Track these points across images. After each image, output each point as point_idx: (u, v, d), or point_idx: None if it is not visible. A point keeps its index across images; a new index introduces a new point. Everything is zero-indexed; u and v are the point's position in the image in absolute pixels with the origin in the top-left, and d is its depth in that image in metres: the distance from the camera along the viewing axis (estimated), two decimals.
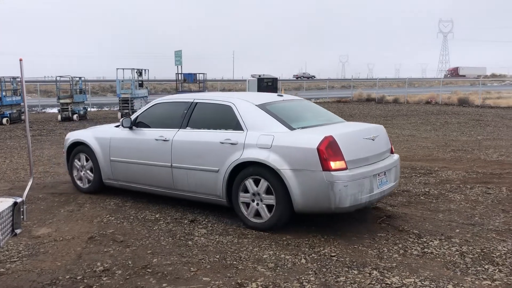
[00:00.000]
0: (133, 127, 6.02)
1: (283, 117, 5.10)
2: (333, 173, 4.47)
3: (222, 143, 5.10)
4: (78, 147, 6.58)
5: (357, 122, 6.36)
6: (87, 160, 6.50)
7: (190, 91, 22.31)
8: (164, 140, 5.57)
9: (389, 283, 3.67)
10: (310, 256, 4.24)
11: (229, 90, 48.47)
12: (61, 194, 6.64)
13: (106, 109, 27.40)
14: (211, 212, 5.65)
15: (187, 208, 5.84)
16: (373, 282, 3.68)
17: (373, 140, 5.05)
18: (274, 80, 23.10)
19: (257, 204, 4.91)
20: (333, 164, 4.49)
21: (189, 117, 5.57)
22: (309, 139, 4.63)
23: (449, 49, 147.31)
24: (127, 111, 19.77)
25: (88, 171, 6.51)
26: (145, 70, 21.80)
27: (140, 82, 21.25)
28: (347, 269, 3.96)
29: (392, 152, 5.52)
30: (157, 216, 5.56)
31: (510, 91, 36.82)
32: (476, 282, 3.67)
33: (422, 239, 4.64)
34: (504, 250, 4.35)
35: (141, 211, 5.78)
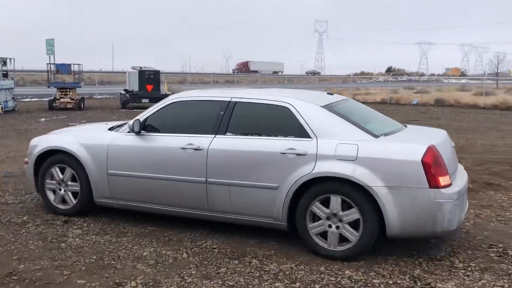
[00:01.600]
0: (142, 131, 4.76)
1: (356, 121, 4.28)
2: (442, 190, 3.77)
3: (284, 153, 4.14)
4: (54, 157, 5.14)
5: (419, 126, 5.71)
6: (67, 174, 5.09)
7: (63, 83, 20.78)
8: (196, 149, 4.43)
9: (268, 270, 3.81)
10: (192, 250, 4.24)
11: (109, 83, 46.21)
12: None
13: None
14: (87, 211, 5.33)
15: None
16: (252, 271, 3.80)
17: (454, 147, 4.60)
18: (157, 73, 22.55)
19: (337, 227, 4.01)
20: (442, 180, 3.77)
21: (227, 120, 4.47)
22: (409, 149, 3.90)
23: (324, 47, 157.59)
24: None
25: (70, 188, 5.10)
26: (10, 59, 19.78)
27: (4, 72, 19.23)
28: (228, 259, 4.02)
29: None
30: (24, 218, 5.09)
31: (376, 88, 40.56)
32: (345, 262, 3.98)
33: None
34: None
35: (5, 213, 5.25)
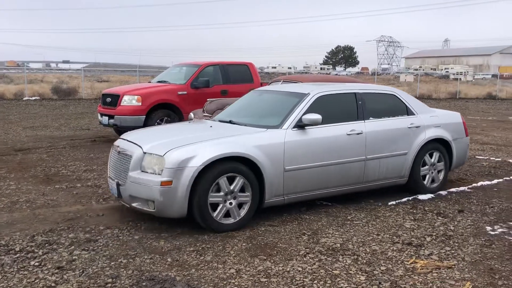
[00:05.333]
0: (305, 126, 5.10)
1: None
2: (468, 137, 6.51)
3: (409, 127, 5.83)
4: (222, 167, 4.53)
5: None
6: (238, 183, 4.63)
7: None
8: (358, 134, 5.42)
9: None
10: None
11: None
12: None
13: None
14: None
15: None
16: None
17: None
18: None
19: (432, 172, 6.10)
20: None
21: (363, 108, 5.63)
22: (455, 115, 6.54)
23: None
24: None
25: (241, 199, 4.66)
26: None
27: None
28: None
29: None
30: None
31: None
32: None
33: None
34: None
35: None
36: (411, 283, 3.53)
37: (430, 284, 3.52)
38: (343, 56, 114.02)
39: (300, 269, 3.75)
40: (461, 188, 6.32)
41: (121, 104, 9.71)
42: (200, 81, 10.16)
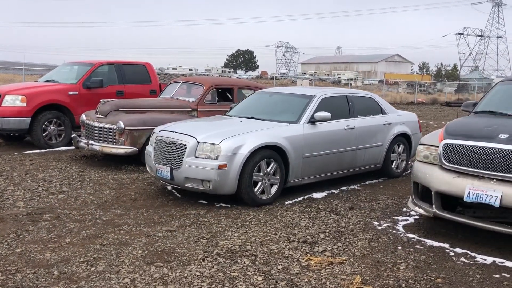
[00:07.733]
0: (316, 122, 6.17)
1: None
2: (421, 132, 7.85)
3: (384, 124, 7.12)
4: (261, 153, 5.56)
5: None
6: (272, 167, 5.69)
7: None
8: (351, 128, 6.57)
9: None
10: None
11: None
12: None
13: None
14: None
15: None
16: None
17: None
18: None
19: (398, 160, 7.50)
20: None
21: (353, 108, 6.79)
22: (413, 115, 8.00)
23: None
24: None
25: (272, 178, 5.72)
26: None
27: None
28: None
29: None
30: None
31: None
32: None
33: None
34: None
35: None
36: (306, 280, 3.64)
37: (324, 280, 3.66)
38: (244, 60, 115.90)
39: (198, 273, 3.67)
40: (352, 186, 6.72)
41: (2, 104, 8.82)
42: (93, 81, 9.56)
